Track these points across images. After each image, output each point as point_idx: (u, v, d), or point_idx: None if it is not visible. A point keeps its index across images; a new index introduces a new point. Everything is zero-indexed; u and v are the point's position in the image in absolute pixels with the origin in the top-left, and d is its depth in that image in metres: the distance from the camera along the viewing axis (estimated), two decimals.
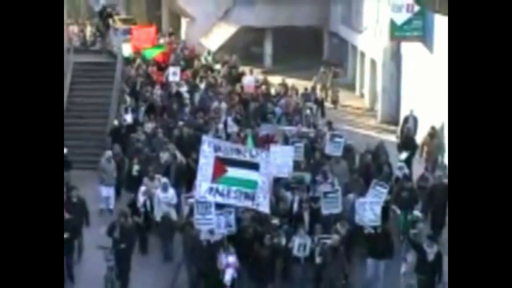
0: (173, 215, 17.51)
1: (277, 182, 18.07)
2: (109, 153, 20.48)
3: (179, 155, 20.19)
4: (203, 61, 33.30)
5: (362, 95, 34.22)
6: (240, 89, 28.58)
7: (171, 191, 17.66)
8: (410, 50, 28.07)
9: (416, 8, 26.55)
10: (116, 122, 23.68)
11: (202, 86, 28.37)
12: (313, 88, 30.99)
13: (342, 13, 38.26)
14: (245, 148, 16.49)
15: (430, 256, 14.52)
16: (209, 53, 34.86)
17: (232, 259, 14.89)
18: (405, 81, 29.01)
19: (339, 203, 16.71)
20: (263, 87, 29.28)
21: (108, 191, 20.26)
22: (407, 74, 28.88)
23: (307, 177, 18.61)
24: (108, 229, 15.73)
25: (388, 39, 28.83)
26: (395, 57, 29.71)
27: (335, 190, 17.01)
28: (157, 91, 26.95)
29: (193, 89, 27.85)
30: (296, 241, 15.31)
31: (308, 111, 26.48)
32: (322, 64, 34.43)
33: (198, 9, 40.67)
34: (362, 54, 34.47)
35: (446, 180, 17.44)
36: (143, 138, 22.20)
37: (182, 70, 29.75)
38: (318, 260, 15.17)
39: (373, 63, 32.31)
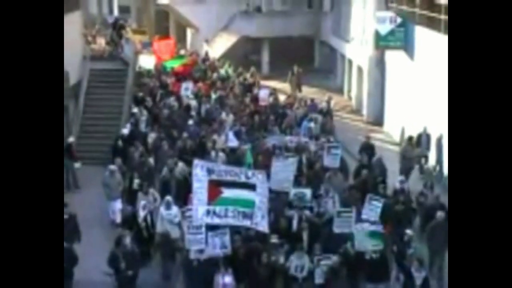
0: (175, 232, 15.48)
1: (277, 199, 16.11)
2: (111, 167, 18.56)
3: (180, 167, 18.33)
4: (223, 72, 31.94)
5: (350, 98, 34.19)
6: (250, 101, 26.49)
7: (175, 209, 15.74)
8: (393, 58, 28.06)
9: (399, 20, 26.57)
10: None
11: (214, 97, 26.82)
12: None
13: (332, 25, 38.20)
14: (240, 169, 14.70)
15: (418, 281, 12.97)
16: (230, 65, 33.55)
17: (228, 279, 13.36)
18: (389, 86, 28.98)
19: (352, 223, 14.58)
20: (271, 98, 27.18)
21: (114, 205, 18.46)
22: (390, 80, 28.86)
23: (308, 192, 16.24)
24: (109, 259, 13.92)
25: (373, 48, 28.89)
26: (380, 64, 29.65)
27: (349, 210, 14.93)
28: (173, 102, 25.50)
29: (200, 100, 26.16)
30: (294, 261, 13.70)
31: (312, 124, 23.88)
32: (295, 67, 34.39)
33: (202, 21, 40.76)
34: (350, 62, 34.43)
35: (443, 199, 15.80)
36: (143, 150, 20.39)
37: (200, 81, 28.86)
38: (318, 280, 13.54)
39: (359, 69, 32.28)
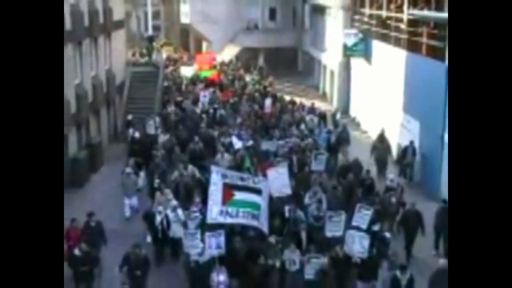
0: (180, 231, 13.19)
1: (280, 202, 13.74)
2: (127, 170, 16.36)
3: (190, 169, 15.96)
4: (249, 80, 29.97)
5: (324, 94, 34.35)
6: (258, 108, 23.42)
7: (180, 211, 13.63)
8: (356, 63, 28.18)
9: (360, 35, 26.74)
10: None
11: (231, 102, 24.38)
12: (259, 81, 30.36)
13: (311, 38, 38.18)
14: (248, 176, 12.94)
15: (403, 283, 10.93)
16: (256, 74, 31.48)
17: (222, 277, 11.31)
18: (353, 84, 29.14)
19: (342, 227, 12.37)
20: (277, 104, 24.19)
21: (129, 202, 16.28)
22: (354, 79, 29.01)
23: (302, 214, 13.40)
24: (122, 260, 11.65)
25: (342, 56, 28.95)
26: (346, 68, 29.75)
27: (340, 214, 12.54)
28: (195, 106, 23.24)
29: (216, 105, 23.53)
30: (287, 256, 11.70)
31: (302, 126, 20.69)
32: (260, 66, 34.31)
33: (213, 36, 40.92)
34: (325, 66, 34.47)
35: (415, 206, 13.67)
36: (161, 153, 17.63)
37: (227, 88, 27.45)
38: (307, 276, 11.43)
39: (331, 72, 32.35)
